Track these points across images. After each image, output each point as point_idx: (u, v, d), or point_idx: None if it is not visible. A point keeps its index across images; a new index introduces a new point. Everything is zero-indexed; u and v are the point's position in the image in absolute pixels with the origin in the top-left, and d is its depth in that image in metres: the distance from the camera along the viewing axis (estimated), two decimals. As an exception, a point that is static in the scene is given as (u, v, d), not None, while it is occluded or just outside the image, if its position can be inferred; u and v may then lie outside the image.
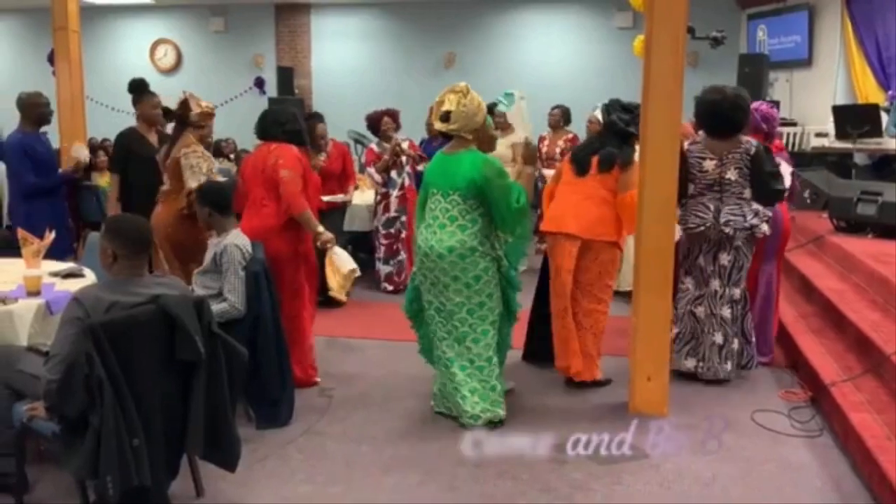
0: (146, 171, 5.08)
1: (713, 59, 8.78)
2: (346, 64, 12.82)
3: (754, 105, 5.15)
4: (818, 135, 8.98)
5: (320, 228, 4.39)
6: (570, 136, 7.72)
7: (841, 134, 8.18)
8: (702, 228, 4.61)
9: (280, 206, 4.38)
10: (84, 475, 2.85)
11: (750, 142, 4.65)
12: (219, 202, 4.07)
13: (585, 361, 4.57)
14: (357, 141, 9.64)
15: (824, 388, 4.24)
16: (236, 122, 10.60)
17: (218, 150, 9.00)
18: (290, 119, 4.63)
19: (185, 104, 4.72)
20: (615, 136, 4.58)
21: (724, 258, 4.66)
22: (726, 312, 4.70)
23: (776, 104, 9.29)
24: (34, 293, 3.60)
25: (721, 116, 4.59)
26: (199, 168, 4.58)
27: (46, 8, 6.54)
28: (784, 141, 9.12)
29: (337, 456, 3.80)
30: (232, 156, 9.89)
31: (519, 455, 3.79)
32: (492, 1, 12.10)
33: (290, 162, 4.40)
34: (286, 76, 12.23)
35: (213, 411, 3.03)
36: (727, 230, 4.58)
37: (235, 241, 3.97)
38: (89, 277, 4.00)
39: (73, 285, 3.73)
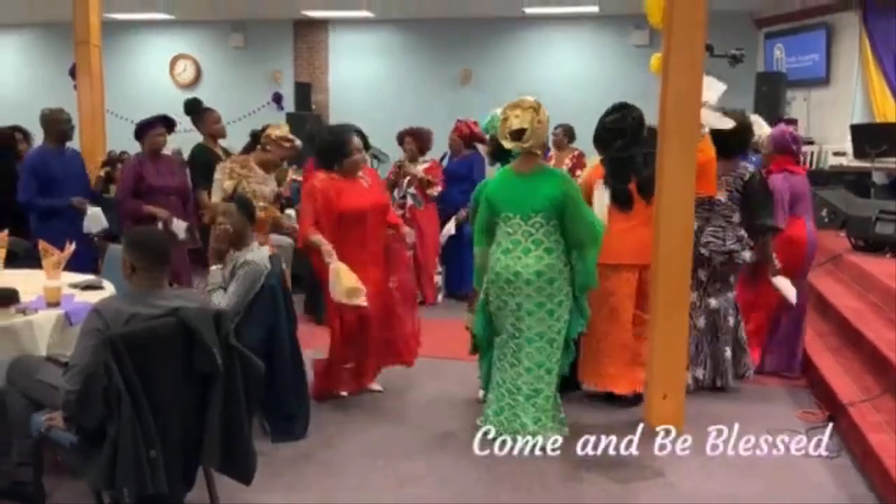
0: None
1: (730, 77, 8.73)
2: (363, 80, 12.91)
3: (783, 127, 5.22)
4: (836, 154, 8.95)
5: (324, 248, 4.28)
6: (576, 153, 7.66)
7: (859, 153, 8.15)
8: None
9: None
10: (101, 485, 2.86)
11: (747, 167, 4.75)
12: (252, 218, 4.11)
13: (637, 373, 4.50)
14: (374, 156, 9.69)
15: (842, 407, 4.20)
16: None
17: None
18: (317, 138, 4.68)
19: (265, 127, 4.93)
20: (624, 161, 4.46)
21: (702, 273, 4.71)
22: (701, 322, 4.75)
23: (793, 123, 9.27)
24: (54, 304, 3.62)
25: (735, 137, 4.67)
26: (219, 183, 4.68)
27: (68, 22, 6.63)
28: (801, 159, 9.10)
29: (352, 470, 3.80)
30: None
31: (535, 471, 3.78)
32: (508, 18, 12.14)
33: (303, 195, 4.52)
34: (304, 91, 12.34)
35: (229, 424, 3.04)
36: (704, 251, 4.64)
37: (255, 256, 3.99)
38: (108, 289, 4.03)
39: (93, 297, 3.75)
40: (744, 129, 4.77)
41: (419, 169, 7.00)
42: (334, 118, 12.64)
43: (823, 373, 4.74)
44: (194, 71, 13.57)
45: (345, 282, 4.19)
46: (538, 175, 3.99)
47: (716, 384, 4.80)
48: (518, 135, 3.91)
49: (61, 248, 4.16)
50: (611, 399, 4.62)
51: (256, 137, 4.99)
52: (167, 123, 5.60)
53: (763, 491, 3.63)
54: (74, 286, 3.99)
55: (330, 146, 4.51)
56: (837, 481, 3.71)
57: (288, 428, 4.12)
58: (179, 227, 5.40)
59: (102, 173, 6.71)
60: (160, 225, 5.24)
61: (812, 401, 4.72)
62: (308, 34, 13.11)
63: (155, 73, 13.53)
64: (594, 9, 11.24)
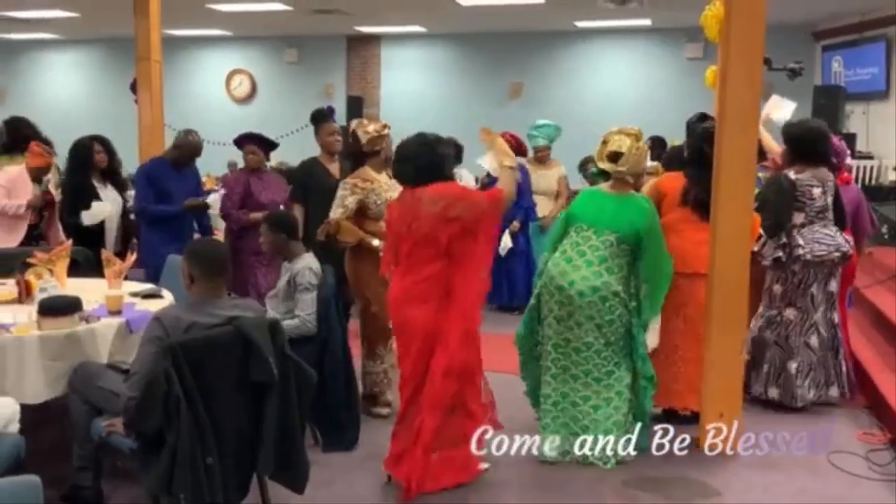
0: (324, 201, 4.71)
1: (787, 90, 8.59)
2: (414, 93, 13.01)
3: None
4: (896, 168, 8.74)
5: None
6: None
7: (921, 168, 7.94)
8: (837, 255, 4.64)
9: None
10: (158, 491, 2.91)
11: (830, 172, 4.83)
12: (292, 228, 4.19)
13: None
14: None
15: (905, 430, 4.09)
16: (306, 149, 10.82)
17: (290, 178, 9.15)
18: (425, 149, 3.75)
19: (353, 136, 4.58)
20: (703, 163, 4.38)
21: (833, 284, 4.72)
22: (826, 335, 4.74)
23: (852, 137, 9.07)
24: (115, 312, 3.71)
25: (828, 144, 4.77)
26: (341, 200, 4.45)
27: (130, 38, 6.79)
28: (860, 174, 8.91)
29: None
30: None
31: (587, 490, 3.73)
32: (559, 31, 12.14)
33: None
34: (356, 105, 12.49)
35: (283, 432, 3.09)
36: (846, 255, 4.68)
37: (309, 264, 4.06)
38: (167, 298, 4.11)
39: (153, 305, 3.86)
40: (816, 136, 4.76)
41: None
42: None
43: (884, 393, 4.60)
44: (250, 85, 13.83)
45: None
46: (627, 200, 4.03)
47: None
48: (615, 157, 3.97)
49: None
50: (669, 417, 4.49)
51: (355, 152, 4.65)
52: (259, 142, 5.53)
53: (822, 513, 3.55)
54: (135, 295, 4.08)
55: (441, 159, 3.68)
56: (901, 505, 3.61)
57: (339, 438, 4.15)
58: None
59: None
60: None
61: (873, 422, 4.59)
62: (361, 49, 13.27)
63: (212, 87, 13.83)
64: (646, 22, 11.17)
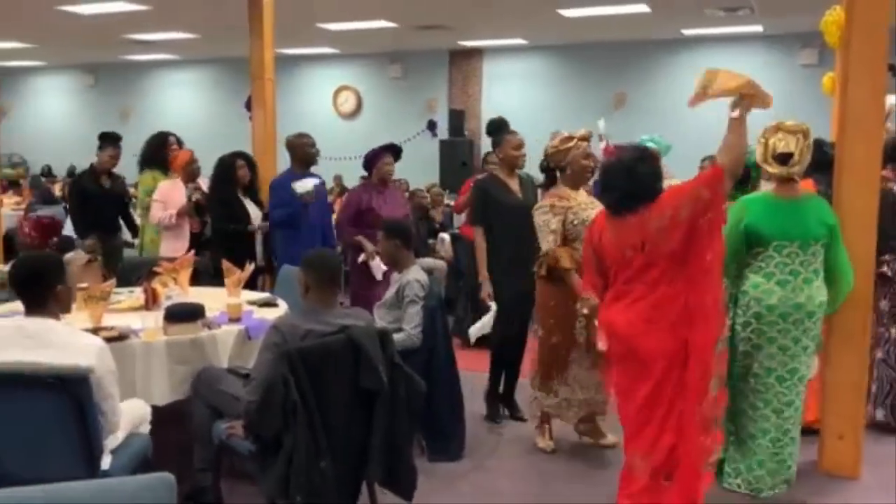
0: (508, 222, 4.57)
1: (909, 96, 8.22)
2: (516, 106, 12.98)
3: None
4: None
5: None
6: None
7: None
8: None
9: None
10: (276, 494, 3.01)
11: None
12: (407, 237, 4.25)
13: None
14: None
15: None
16: (409, 163, 10.96)
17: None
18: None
19: (553, 147, 4.24)
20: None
21: (884, 304, 4.55)
22: (879, 354, 4.58)
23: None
24: (235, 319, 3.87)
25: None
26: (546, 226, 4.12)
27: (244, 58, 7.08)
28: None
29: (507, 494, 3.81)
30: (407, 194, 10.25)
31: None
32: (663, 40, 11.92)
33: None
34: (458, 119, 12.61)
35: (392, 439, 3.14)
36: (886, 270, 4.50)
37: (417, 276, 4.13)
38: (282, 307, 4.26)
39: (269, 313, 4.01)
40: None
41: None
42: (486, 144, 12.78)
43: None
44: (355, 101, 14.16)
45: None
46: (808, 201, 3.77)
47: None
48: (785, 158, 3.68)
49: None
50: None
51: (548, 168, 4.35)
52: (394, 152, 5.48)
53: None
54: (252, 303, 4.25)
55: (643, 183, 3.30)
56: None
57: (444, 447, 4.19)
58: (378, 268, 5.07)
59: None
60: (360, 257, 5.16)
61: None
62: (463, 63, 13.39)
63: (319, 104, 14.21)
64: (758, 28, 10.84)
